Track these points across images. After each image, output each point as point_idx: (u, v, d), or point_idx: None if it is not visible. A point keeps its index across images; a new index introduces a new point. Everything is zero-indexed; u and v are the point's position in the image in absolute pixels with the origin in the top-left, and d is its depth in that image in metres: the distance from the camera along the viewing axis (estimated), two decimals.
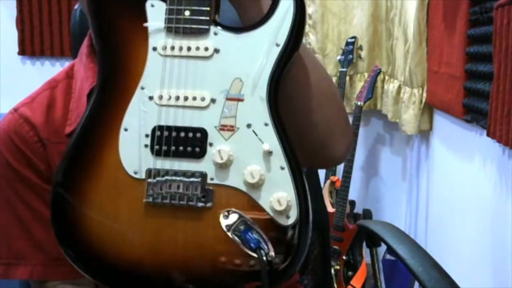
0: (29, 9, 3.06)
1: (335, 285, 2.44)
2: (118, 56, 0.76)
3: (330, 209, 2.50)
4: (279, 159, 0.71)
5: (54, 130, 0.91)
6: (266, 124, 0.72)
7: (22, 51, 3.11)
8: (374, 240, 1.36)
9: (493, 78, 1.38)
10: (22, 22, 3.07)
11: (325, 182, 2.65)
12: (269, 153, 0.71)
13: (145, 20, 0.74)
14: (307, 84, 0.82)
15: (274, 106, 0.72)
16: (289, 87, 0.79)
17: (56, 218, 0.78)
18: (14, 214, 0.92)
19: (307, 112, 0.83)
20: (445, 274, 0.99)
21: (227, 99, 0.72)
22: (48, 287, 0.94)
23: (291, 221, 0.71)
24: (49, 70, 3.09)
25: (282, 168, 0.71)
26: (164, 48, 0.74)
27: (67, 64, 0.99)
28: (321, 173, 2.56)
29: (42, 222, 0.91)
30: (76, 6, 1.23)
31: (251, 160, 0.72)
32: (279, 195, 0.71)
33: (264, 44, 0.72)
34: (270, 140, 0.72)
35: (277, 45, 0.72)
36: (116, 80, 0.76)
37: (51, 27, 3.05)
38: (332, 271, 2.41)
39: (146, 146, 0.74)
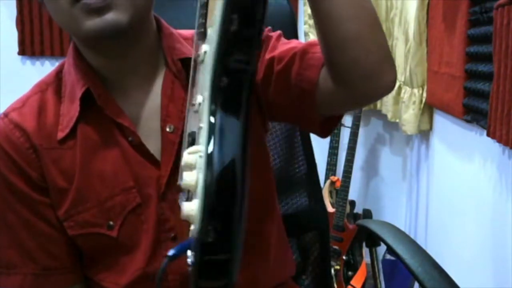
0: (29, 9, 3.06)
1: (335, 285, 2.44)
2: None
3: (330, 209, 2.51)
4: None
5: (46, 136, 0.89)
6: (200, 128, 0.61)
7: (22, 51, 3.11)
8: (374, 240, 1.36)
9: (493, 78, 1.38)
10: (22, 22, 3.07)
11: (325, 182, 2.65)
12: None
13: None
14: (359, 6, 0.81)
15: (215, 108, 0.57)
16: (341, 8, 0.78)
17: None
18: (3, 222, 0.90)
19: (361, 36, 0.82)
20: (444, 274, 0.99)
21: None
22: None
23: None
24: (49, 70, 3.05)
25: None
26: (197, 56, 0.74)
27: None
28: (321, 173, 2.56)
29: (31, 231, 0.89)
30: None
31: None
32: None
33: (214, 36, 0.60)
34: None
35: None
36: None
37: (51, 27, 3.05)
38: (332, 271, 2.41)
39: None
